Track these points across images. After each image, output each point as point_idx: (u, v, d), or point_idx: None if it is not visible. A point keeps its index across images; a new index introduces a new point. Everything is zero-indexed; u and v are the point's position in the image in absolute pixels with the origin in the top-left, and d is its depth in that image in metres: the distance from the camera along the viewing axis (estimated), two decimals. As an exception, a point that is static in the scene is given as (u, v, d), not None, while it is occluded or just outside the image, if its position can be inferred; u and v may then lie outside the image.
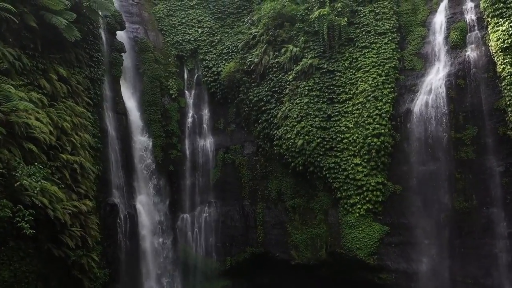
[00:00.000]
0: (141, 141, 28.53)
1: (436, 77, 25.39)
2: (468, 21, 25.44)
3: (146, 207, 27.50)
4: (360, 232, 25.10)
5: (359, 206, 25.31)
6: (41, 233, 16.78)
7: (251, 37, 31.57)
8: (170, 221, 29.01)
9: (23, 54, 18.90)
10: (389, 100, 26.06)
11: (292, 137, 27.28)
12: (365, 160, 25.57)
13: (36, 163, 15.44)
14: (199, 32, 33.47)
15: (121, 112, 27.36)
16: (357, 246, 25.09)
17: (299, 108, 27.69)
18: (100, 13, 25.78)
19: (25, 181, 14.01)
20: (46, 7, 19.74)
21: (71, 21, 21.32)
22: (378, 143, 25.31)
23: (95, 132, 23.35)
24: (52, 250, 17.27)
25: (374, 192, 25.13)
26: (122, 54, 28.51)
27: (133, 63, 30.52)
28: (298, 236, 27.63)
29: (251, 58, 30.71)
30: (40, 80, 19.53)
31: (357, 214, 25.29)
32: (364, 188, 25.33)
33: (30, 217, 13.98)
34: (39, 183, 14.82)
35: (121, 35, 29.46)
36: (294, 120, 27.60)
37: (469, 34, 25.09)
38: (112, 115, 26.39)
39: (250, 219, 29.65)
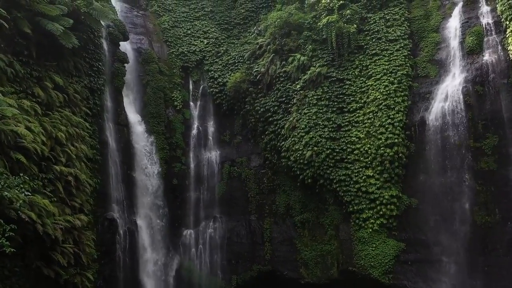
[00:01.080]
0: (144, 153, 27.51)
1: (452, 84, 24.31)
2: (484, 25, 24.64)
3: (148, 223, 26.33)
4: (373, 248, 23.69)
5: (372, 221, 23.99)
6: (30, 250, 15.68)
7: (257, 47, 30.82)
8: (173, 237, 27.74)
9: (16, 60, 18.10)
10: (402, 109, 25.02)
11: (300, 148, 26.11)
12: (377, 172, 24.30)
13: (21, 174, 14.36)
14: (205, 43, 32.81)
15: (122, 124, 26.48)
16: (371, 264, 23.66)
17: (307, 118, 26.64)
18: (102, 23, 25.28)
19: (6, 193, 12.90)
20: (42, 13, 19.02)
21: (70, 29, 20.61)
22: (391, 154, 24.02)
23: (93, 143, 22.38)
24: (42, 268, 16.10)
25: (388, 206, 23.82)
26: (125, 64, 27.82)
27: (136, 74, 29.84)
28: (308, 253, 26.25)
29: (257, 68, 29.89)
30: (34, 88, 18.65)
31: (370, 230, 23.95)
32: (377, 202, 24.05)
33: (11, 233, 12.79)
34: (23, 194, 13.69)
35: (124, 46, 28.87)
36: (302, 130, 26.51)
37: (486, 39, 24.15)
38: (113, 127, 25.51)
39: (257, 235, 28.30)
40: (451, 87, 24.11)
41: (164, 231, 27.33)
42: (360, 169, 24.82)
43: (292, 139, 26.74)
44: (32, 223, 15.01)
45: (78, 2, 21.19)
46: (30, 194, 14.29)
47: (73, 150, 19.31)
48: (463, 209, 22.33)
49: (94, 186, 21.39)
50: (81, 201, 19.22)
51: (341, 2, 27.90)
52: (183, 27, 33.34)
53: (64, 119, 19.49)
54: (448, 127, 23.45)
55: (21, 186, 13.75)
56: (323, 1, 28.33)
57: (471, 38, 24.35)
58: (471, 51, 24.24)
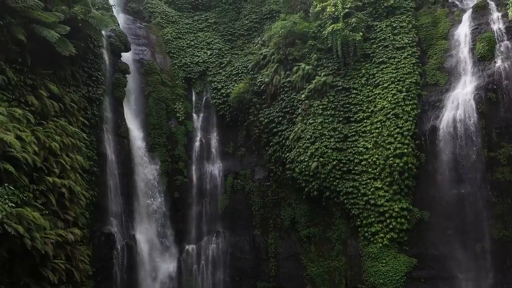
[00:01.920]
0: (144, 166, 26.73)
1: (463, 91, 23.43)
2: (495, 31, 23.97)
3: (147, 237, 25.33)
4: (384, 265, 22.52)
5: (381, 235, 22.88)
6: (17, 265, 14.81)
7: (261, 57, 30.18)
8: (174, 253, 26.65)
9: (9, 68, 17.52)
10: (411, 118, 24.14)
11: (306, 159, 25.19)
12: (386, 184, 23.27)
13: (6, 184, 13.57)
14: (208, 54, 32.26)
15: (123, 135, 25.76)
16: (381, 281, 22.48)
17: (312, 128, 25.76)
18: (103, 33, 24.88)
19: (-15, 204, 12.13)
20: (38, 20, 18.49)
21: (67, 37, 20.08)
22: (401, 164, 23.02)
23: (90, 154, 21.64)
24: (31, 285, 15.21)
25: (398, 219, 22.74)
26: (126, 75, 27.26)
27: (138, 85, 29.21)
28: (314, 270, 25.11)
29: (261, 78, 29.20)
30: (28, 96, 18.00)
31: (380, 244, 22.81)
32: (386, 215, 22.97)
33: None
34: (7, 205, 12.86)
35: (126, 57, 28.35)
36: (307, 141, 25.62)
37: (498, 45, 23.39)
38: (113, 138, 24.78)
39: (262, 250, 27.16)
40: (462, 95, 23.22)
41: (165, 246, 26.33)
42: (368, 181, 23.80)
43: (297, 150, 25.84)
44: (19, 237, 14.17)
45: (76, 9, 20.70)
46: (14, 205, 13.44)
47: (68, 161, 18.54)
48: (478, 222, 21.23)
49: (91, 198, 20.58)
50: (76, 214, 18.35)
51: (346, 10, 27.25)
52: (186, 38, 32.85)
53: (59, 129, 18.74)
54: (460, 136, 22.46)
55: (6, 197, 12.95)
56: (328, 10, 27.70)
57: (482, 45, 23.57)
58: (483, 58, 23.44)
